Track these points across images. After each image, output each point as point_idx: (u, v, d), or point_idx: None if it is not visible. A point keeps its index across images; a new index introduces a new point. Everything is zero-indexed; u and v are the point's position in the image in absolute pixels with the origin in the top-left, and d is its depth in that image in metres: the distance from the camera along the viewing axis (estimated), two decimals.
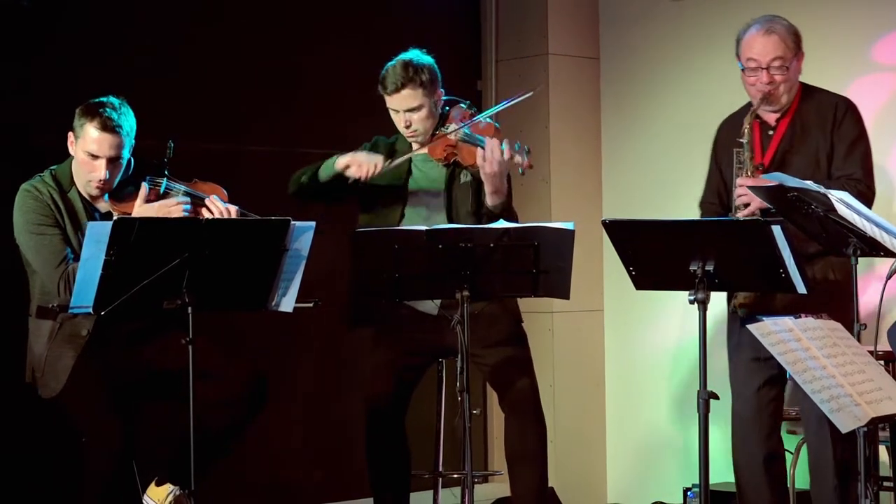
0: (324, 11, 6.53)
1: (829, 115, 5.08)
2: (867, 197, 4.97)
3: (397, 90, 5.12)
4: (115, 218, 4.51)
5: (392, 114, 5.20)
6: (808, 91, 5.16)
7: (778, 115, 5.13)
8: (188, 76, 6.08)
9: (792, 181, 4.55)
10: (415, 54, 5.19)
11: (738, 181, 5.00)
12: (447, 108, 5.25)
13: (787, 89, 5.07)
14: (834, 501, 4.97)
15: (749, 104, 5.11)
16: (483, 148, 4.98)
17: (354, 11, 6.61)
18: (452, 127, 5.12)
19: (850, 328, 4.33)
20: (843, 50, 6.09)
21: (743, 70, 5.10)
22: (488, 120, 5.18)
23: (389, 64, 5.18)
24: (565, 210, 6.69)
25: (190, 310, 4.53)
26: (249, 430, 5.05)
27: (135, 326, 4.91)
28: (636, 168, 6.93)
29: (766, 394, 5.13)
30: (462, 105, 5.28)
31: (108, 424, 4.81)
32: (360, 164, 5.08)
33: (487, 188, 5.02)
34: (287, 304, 4.74)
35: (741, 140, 5.06)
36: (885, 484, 5.54)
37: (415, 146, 5.24)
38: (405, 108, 5.14)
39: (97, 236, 4.42)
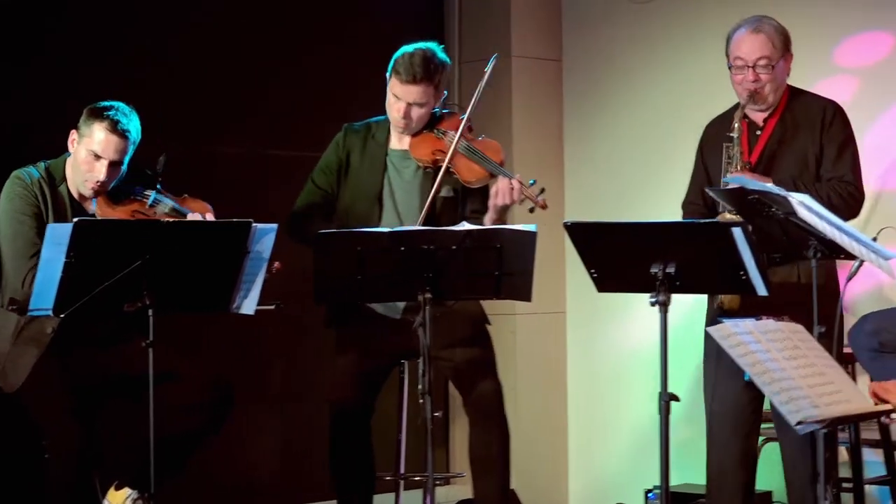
0: (289, 12, 6.51)
1: (818, 117, 5.11)
2: (856, 199, 5.01)
3: (413, 82, 5.05)
4: (74, 220, 4.49)
5: (391, 97, 5.11)
6: (795, 93, 5.19)
7: (765, 115, 5.16)
8: (161, 80, 6.06)
9: (753, 184, 4.57)
10: (436, 47, 5.14)
11: (729, 177, 5.00)
12: (440, 109, 5.23)
13: (774, 89, 5.11)
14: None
15: (738, 104, 5.12)
16: (490, 175, 4.99)
17: (318, 13, 6.60)
18: (453, 136, 5.07)
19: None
20: (805, 52, 6.08)
21: (730, 68, 5.12)
22: (490, 139, 5.16)
23: (407, 49, 5.10)
24: (528, 213, 6.68)
25: (151, 312, 4.51)
26: (216, 433, 5.04)
27: (100, 328, 4.89)
28: (598, 170, 6.94)
29: (746, 393, 5.12)
30: (456, 110, 5.27)
31: (66, 426, 4.79)
32: None
33: (492, 216, 5.01)
34: (249, 306, 4.72)
35: (731, 135, 5.07)
36: (845, 485, 5.57)
37: (394, 138, 5.22)
38: (411, 101, 5.09)
39: (57, 238, 4.39)
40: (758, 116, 5.17)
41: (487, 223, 5.02)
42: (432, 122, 5.19)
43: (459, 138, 5.05)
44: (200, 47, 6.20)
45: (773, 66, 5.08)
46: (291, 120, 6.48)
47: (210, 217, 4.93)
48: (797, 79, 5.71)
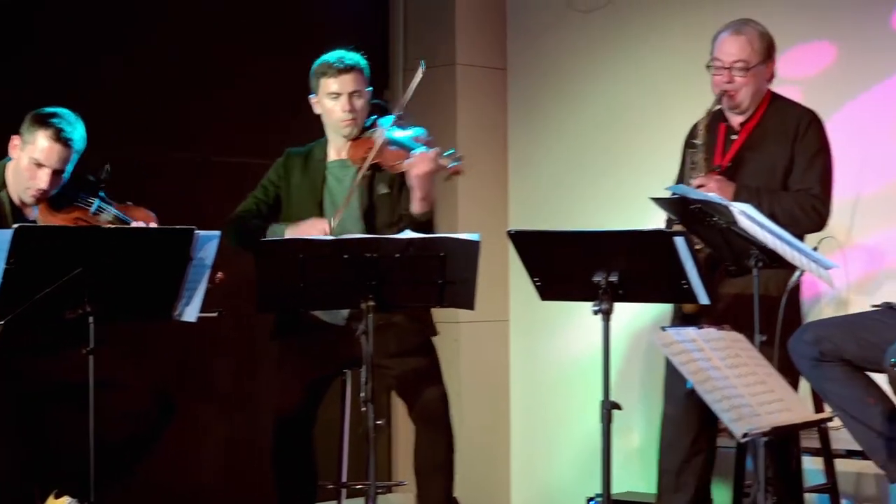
0: (234, 21, 6.49)
1: (792, 126, 5.10)
2: (820, 213, 5.00)
3: (345, 71, 5.13)
4: (14, 226, 4.46)
5: (329, 102, 5.17)
6: (775, 100, 5.20)
7: (743, 120, 5.16)
8: (105, 87, 6.03)
9: (695, 193, 4.59)
10: (346, 51, 5.23)
11: (693, 181, 5.02)
12: (374, 116, 5.26)
13: (749, 94, 5.11)
14: None
15: (708, 110, 5.13)
16: (412, 151, 5.00)
17: (262, 23, 6.58)
18: (380, 131, 5.12)
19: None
20: None
21: (709, 68, 5.14)
22: (420, 132, 5.18)
23: (324, 56, 5.20)
24: (472, 221, 6.69)
25: (91, 320, 4.48)
26: (157, 441, 5.02)
27: (41, 335, 4.85)
28: (542, 179, 6.96)
29: (698, 396, 5.14)
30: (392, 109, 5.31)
31: (6, 433, 4.75)
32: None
33: (417, 194, 5.01)
34: (191, 313, 4.70)
35: (695, 141, 5.09)
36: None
37: (332, 152, 5.22)
38: (351, 90, 5.14)
39: None
40: (735, 121, 5.18)
41: (414, 206, 5.03)
42: (364, 130, 5.23)
43: (386, 129, 5.10)
44: (145, 55, 6.15)
45: (750, 69, 5.08)
46: (236, 128, 6.45)
47: (153, 226, 4.91)
48: None
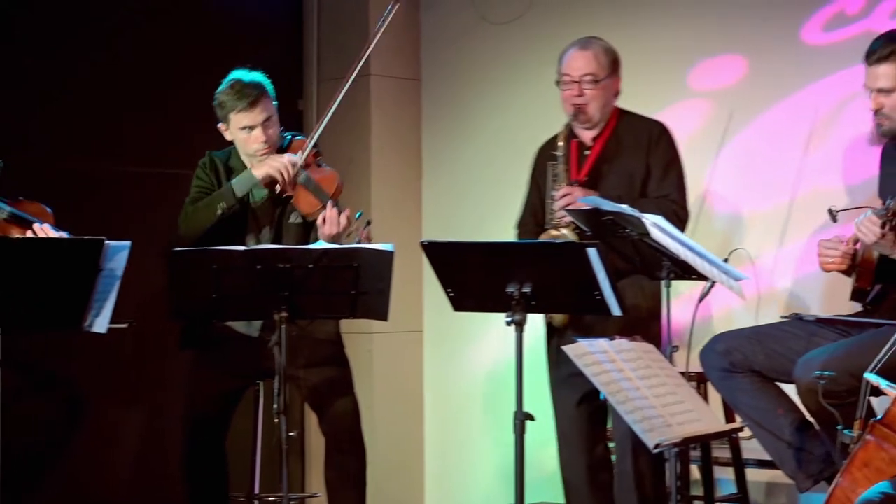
0: (151, 30, 6.46)
1: (644, 137, 5.20)
2: (680, 217, 5.09)
3: (254, 104, 5.12)
4: None
5: (242, 134, 5.17)
6: (623, 114, 5.28)
7: (594, 135, 5.23)
8: (21, 93, 5.97)
9: (608, 205, 4.62)
10: (243, 73, 5.20)
11: (555, 193, 5.07)
12: (286, 134, 5.26)
13: (599, 107, 5.19)
14: None
15: (566, 124, 5.20)
16: (324, 207, 5.02)
17: (182, 31, 6.55)
18: (301, 174, 5.13)
19: (660, 350, 4.40)
20: (660, 75, 6.20)
21: (558, 84, 5.21)
22: (331, 169, 5.20)
23: (221, 89, 5.18)
24: (386, 231, 6.67)
25: None
26: (66, 450, 4.97)
27: None
28: (456, 190, 6.96)
29: (585, 409, 5.19)
30: (300, 137, 5.30)
31: None
32: (280, 170, 5.04)
33: (323, 238, 5.03)
34: (101, 324, 4.63)
35: (555, 153, 5.14)
36: (696, 503, 5.64)
37: (248, 166, 5.22)
38: (262, 121, 5.13)
39: None
40: (586, 136, 5.25)
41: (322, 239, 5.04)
42: (280, 150, 5.21)
43: (299, 169, 5.11)
44: (67, 65, 6.13)
45: (598, 81, 5.16)
46: (153, 139, 6.41)
47: (49, 221, 4.86)
48: (652, 102, 5.81)
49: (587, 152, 5.23)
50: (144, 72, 6.41)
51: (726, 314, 5.87)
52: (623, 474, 5.10)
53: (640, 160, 5.17)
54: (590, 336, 4.33)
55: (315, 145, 5.23)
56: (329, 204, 5.05)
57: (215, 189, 5.23)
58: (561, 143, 5.16)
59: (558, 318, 5.14)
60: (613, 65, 5.23)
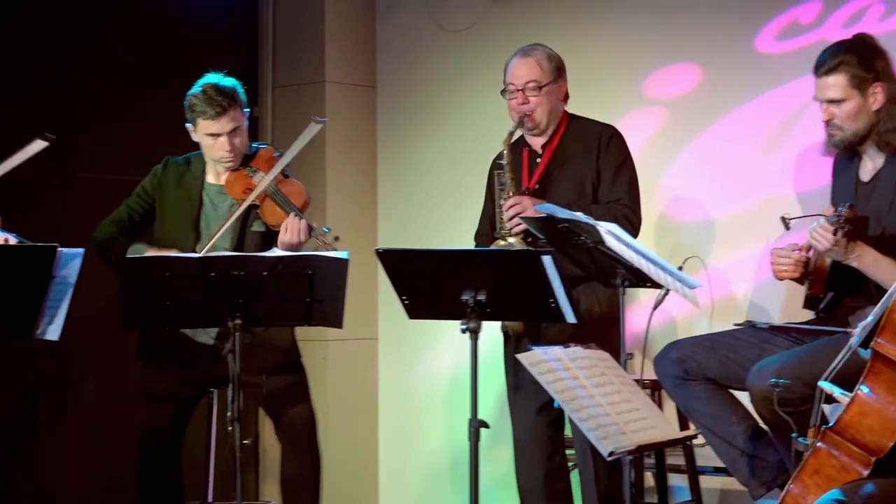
0: (105, 37, 6.42)
1: (594, 142, 5.21)
2: (632, 222, 5.10)
3: (221, 114, 5.09)
4: None
5: (208, 140, 5.14)
6: (573, 120, 5.30)
7: (544, 141, 5.25)
8: None
9: (562, 212, 4.62)
10: (218, 78, 5.18)
11: (505, 203, 5.07)
12: (254, 145, 5.24)
13: (546, 112, 5.20)
14: None
15: (509, 132, 5.20)
16: (289, 217, 5.02)
17: (131, 34, 6.52)
18: (262, 176, 5.11)
19: (615, 358, 4.40)
20: (615, 83, 6.22)
21: (504, 94, 5.22)
22: (298, 182, 5.20)
23: (194, 91, 5.16)
24: (341, 239, 6.68)
25: None
26: (21, 455, 4.94)
27: None
28: (411, 197, 6.96)
29: (544, 417, 5.20)
30: (268, 147, 5.27)
31: None
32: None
33: (281, 246, 5.01)
34: (53, 332, 4.61)
35: (501, 162, 5.15)
36: None
37: (210, 173, 5.20)
38: (229, 131, 5.11)
39: None
40: (536, 143, 5.27)
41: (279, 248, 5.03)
42: (246, 159, 5.20)
43: (269, 180, 5.10)
44: (13, 67, 6.09)
45: (542, 87, 5.18)
46: (106, 143, 6.37)
47: (14, 243, 4.83)
48: (608, 109, 5.82)
49: (538, 160, 5.24)
50: (97, 77, 6.38)
51: (682, 321, 5.89)
52: (586, 480, 5.09)
53: (590, 164, 5.19)
54: (546, 344, 4.33)
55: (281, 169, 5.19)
56: (292, 213, 5.05)
57: (152, 200, 5.23)
58: (505, 152, 5.17)
59: (514, 326, 5.15)
60: (558, 70, 5.25)
